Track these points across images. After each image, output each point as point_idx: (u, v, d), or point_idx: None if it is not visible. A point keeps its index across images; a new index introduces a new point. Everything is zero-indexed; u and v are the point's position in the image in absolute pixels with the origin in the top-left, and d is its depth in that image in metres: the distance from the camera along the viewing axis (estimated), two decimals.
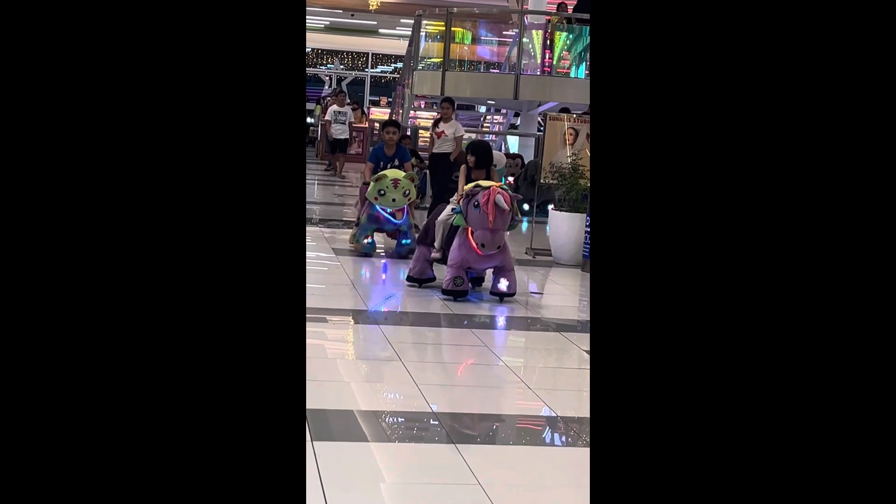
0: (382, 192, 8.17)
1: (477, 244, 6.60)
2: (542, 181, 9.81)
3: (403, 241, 8.60)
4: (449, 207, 7.14)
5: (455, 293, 6.78)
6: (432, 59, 14.88)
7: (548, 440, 4.41)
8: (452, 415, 4.50)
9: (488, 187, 6.58)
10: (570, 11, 14.85)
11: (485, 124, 19.91)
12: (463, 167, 7.51)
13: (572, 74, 14.16)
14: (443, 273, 7.11)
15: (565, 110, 12.49)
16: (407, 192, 8.29)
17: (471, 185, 6.79)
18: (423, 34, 15.25)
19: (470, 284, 7.09)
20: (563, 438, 4.38)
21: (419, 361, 5.47)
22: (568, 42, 14.32)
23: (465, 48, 15.06)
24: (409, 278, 7.30)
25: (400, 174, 8.34)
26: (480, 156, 7.37)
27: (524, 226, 11.17)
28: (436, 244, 7.12)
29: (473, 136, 18.76)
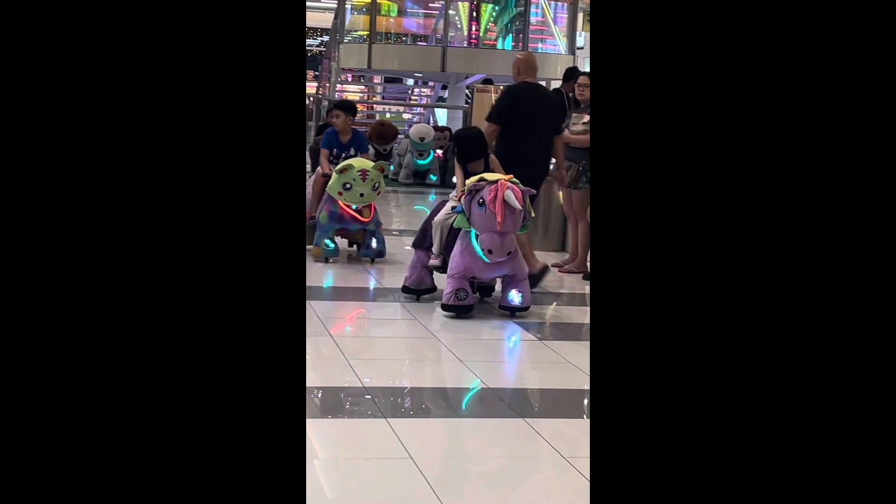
0: (348, 185, 6.79)
1: (483, 250, 5.50)
2: None
3: (372, 244, 7.26)
4: (448, 205, 6.00)
5: (457, 308, 5.68)
6: (359, 32, 14.80)
7: (479, 412, 4.44)
8: (384, 389, 4.50)
9: (496, 181, 5.47)
10: None
11: (412, 97, 19.89)
12: (456, 161, 6.35)
13: (499, 46, 14.21)
14: (443, 282, 6.02)
15: (488, 81, 12.52)
16: (376, 185, 6.94)
17: (474, 178, 5.64)
18: (348, 7, 15.15)
19: (477, 294, 6.09)
20: (495, 410, 4.40)
21: (349, 336, 5.45)
22: (494, 14, 14.34)
23: (392, 21, 15.01)
24: (404, 289, 6.12)
25: (368, 164, 6.96)
26: (463, 148, 6.22)
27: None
28: (434, 249, 5.94)
29: (400, 109, 18.83)
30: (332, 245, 7.21)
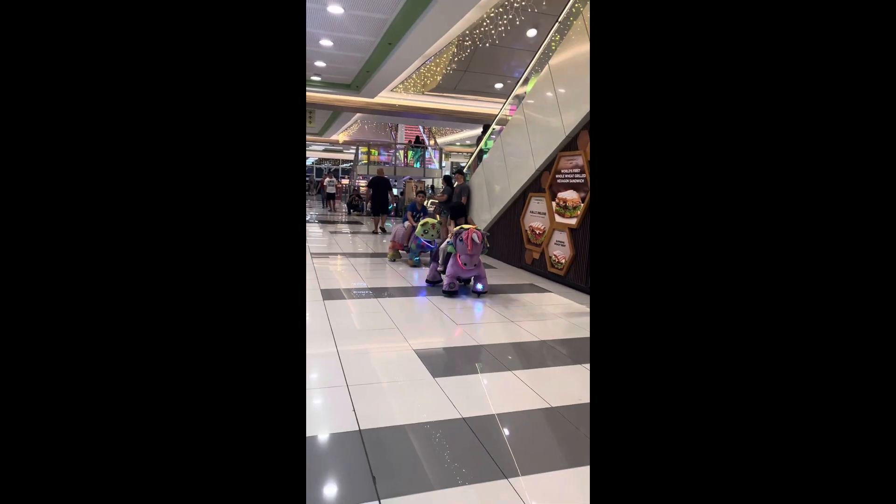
0: (427, 231, 7.30)
1: (462, 263, 5.63)
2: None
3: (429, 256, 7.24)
4: (447, 241, 6.11)
5: (450, 293, 5.71)
6: (364, 161, 18.69)
7: (417, 296, 4.92)
8: (379, 288, 4.97)
9: (468, 228, 5.65)
10: (415, 140, 18.25)
11: None
12: (449, 220, 6.88)
13: (415, 166, 18.39)
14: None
15: (410, 179, 14.69)
16: (438, 231, 7.46)
17: (457, 227, 5.88)
18: (360, 152, 18.87)
19: (461, 283, 6.11)
20: (423, 294, 4.95)
21: (361, 265, 5.90)
22: (413, 154, 18.53)
23: (375, 156, 19.25)
24: (427, 281, 6.28)
25: (433, 220, 7.51)
26: (454, 212, 7.01)
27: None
28: (440, 261, 6.20)
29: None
30: (418, 259, 7.51)
